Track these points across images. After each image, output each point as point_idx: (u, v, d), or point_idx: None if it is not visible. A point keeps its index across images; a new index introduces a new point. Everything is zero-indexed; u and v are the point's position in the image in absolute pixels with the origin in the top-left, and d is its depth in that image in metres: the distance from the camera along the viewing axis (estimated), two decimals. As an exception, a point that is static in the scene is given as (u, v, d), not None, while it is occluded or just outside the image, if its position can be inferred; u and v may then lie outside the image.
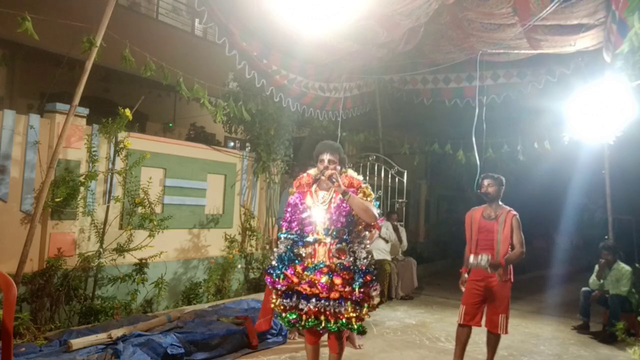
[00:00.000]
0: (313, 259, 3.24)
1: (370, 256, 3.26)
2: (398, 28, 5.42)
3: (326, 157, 3.33)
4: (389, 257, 7.64)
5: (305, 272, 3.18)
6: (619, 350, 5.53)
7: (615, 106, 4.72)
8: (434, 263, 11.49)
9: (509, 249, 4.28)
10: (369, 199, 3.28)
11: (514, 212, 4.34)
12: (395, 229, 8.02)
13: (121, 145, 5.32)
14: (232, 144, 11.52)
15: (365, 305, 3.20)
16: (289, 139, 7.63)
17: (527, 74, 7.27)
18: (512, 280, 4.35)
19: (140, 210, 5.40)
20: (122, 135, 5.34)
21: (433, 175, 13.69)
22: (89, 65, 4.40)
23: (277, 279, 3.23)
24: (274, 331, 4.88)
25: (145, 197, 5.45)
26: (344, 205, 3.21)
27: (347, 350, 3.51)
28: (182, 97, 6.47)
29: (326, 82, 6.96)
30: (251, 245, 7.11)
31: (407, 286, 8.15)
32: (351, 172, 3.44)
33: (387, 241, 7.63)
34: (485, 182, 4.45)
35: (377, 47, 5.97)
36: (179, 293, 6.15)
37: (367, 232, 3.37)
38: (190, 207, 6.36)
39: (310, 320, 3.21)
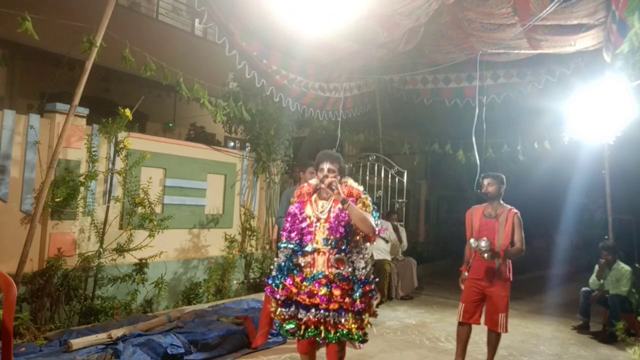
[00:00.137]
0: (312, 269, 3.24)
1: (369, 266, 3.25)
2: (398, 28, 5.42)
3: (326, 166, 3.33)
4: (389, 257, 7.64)
5: (304, 283, 3.17)
6: (619, 350, 5.53)
7: (615, 106, 4.72)
8: (434, 263, 11.48)
9: (510, 247, 4.29)
10: (367, 210, 3.27)
11: (516, 210, 4.35)
12: (395, 229, 8.02)
13: (121, 145, 5.32)
14: (232, 144, 11.52)
15: (366, 315, 3.20)
16: (289, 139, 7.63)
17: (527, 74, 7.27)
18: (511, 279, 4.36)
19: (140, 210, 5.40)
20: (122, 135, 5.34)
21: (433, 175, 13.68)
22: (89, 65, 4.40)
23: (276, 289, 3.23)
24: (274, 331, 4.88)
25: (145, 197, 5.45)
26: (343, 215, 3.21)
27: (347, 351, 3.50)
28: (182, 97, 6.47)
29: (326, 82, 6.96)
30: (251, 245, 7.11)
31: (407, 286, 8.15)
32: (351, 182, 3.43)
33: (387, 241, 7.64)
34: (485, 181, 4.46)
35: (377, 47, 5.97)
36: (179, 293, 6.15)
37: (366, 244, 3.35)
38: (190, 207, 6.36)
39: (310, 330, 3.21)
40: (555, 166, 10.65)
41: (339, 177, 3.35)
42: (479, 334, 4.72)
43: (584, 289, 6.51)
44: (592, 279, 6.43)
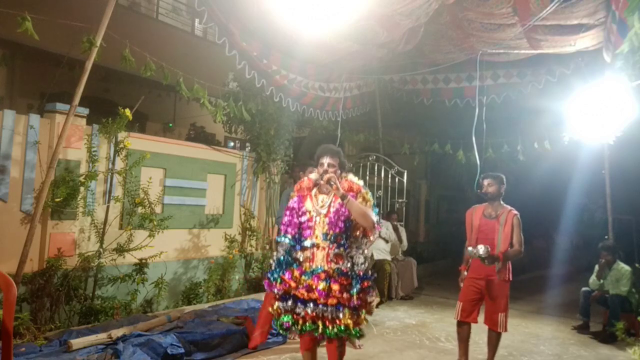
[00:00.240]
0: (311, 264, 3.24)
1: (368, 262, 3.25)
2: (398, 28, 5.42)
3: (326, 160, 3.33)
4: (389, 257, 7.64)
5: (303, 277, 3.18)
6: (619, 350, 5.54)
7: (615, 106, 4.73)
8: (434, 263, 11.48)
9: (509, 248, 4.29)
10: (368, 204, 3.27)
11: (515, 212, 4.35)
12: (395, 229, 8.02)
13: (121, 145, 5.32)
14: (232, 144, 11.52)
15: (363, 311, 3.20)
16: (289, 139, 7.63)
17: (527, 74, 7.27)
18: (510, 279, 4.37)
19: (140, 210, 5.40)
20: (122, 135, 5.33)
21: (433, 175, 13.68)
22: (89, 65, 4.40)
23: (274, 283, 3.23)
24: (274, 331, 4.88)
25: (145, 197, 5.45)
26: (343, 209, 3.21)
27: (347, 351, 3.50)
28: (182, 97, 6.47)
29: (326, 82, 6.96)
30: (251, 245, 7.11)
31: (407, 286, 8.15)
32: (351, 177, 3.43)
33: (387, 241, 7.64)
34: (485, 182, 4.47)
35: (377, 47, 5.97)
36: (179, 293, 6.15)
37: (365, 239, 3.34)
38: (190, 207, 6.36)
39: (307, 324, 3.21)
40: (555, 166, 10.65)
41: (339, 172, 3.35)
42: (479, 334, 4.73)
43: (584, 289, 6.51)
44: (592, 279, 6.43)
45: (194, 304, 6.05)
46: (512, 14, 5.20)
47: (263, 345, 4.76)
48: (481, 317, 4.49)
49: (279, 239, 3.34)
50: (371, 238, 3.37)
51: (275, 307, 3.28)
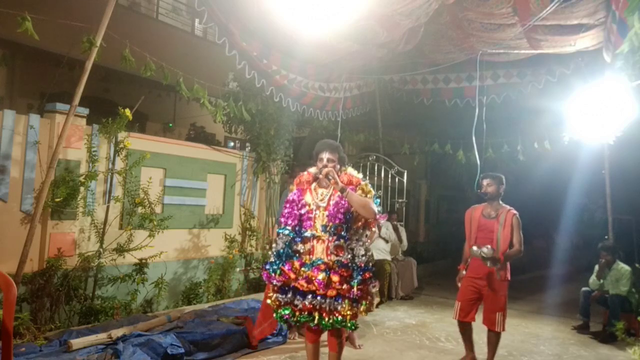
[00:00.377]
0: (311, 256, 3.25)
1: (369, 254, 3.26)
2: (398, 28, 5.42)
3: (325, 155, 3.35)
4: (389, 257, 7.64)
5: (303, 269, 3.19)
6: (619, 350, 5.54)
7: (615, 106, 4.73)
8: (434, 263, 11.48)
9: (508, 248, 4.31)
10: (368, 195, 3.29)
11: (514, 212, 4.37)
12: (395, 229, 8.02)
13: (121, 145, 5.32)
14: (232, 144, 11.52)
15: (363, 302, 3.20)
16: (289, 139, 7.63)
17: (527, 74, 7.27)
18: (509, 278, 4.39)
19: (140, 210, 5.40)
20: (122, 135, 5.33)
21: (433, 175, 13.68)
22: (89, 65, 4.40)
23: (273, 274, 3.23)
24: (274, 331, 4.88)
25: (145, 197, 5.45)
26: (343, 202, 3.22)
27: (347, 351, 3.52)
28: (182, 97, 6.46)
29: (326, 82, 6.96)
30: (251, 245, 7.11)
31: (407, 286, 8.15)
32: (350, 170, 3.45)
33: (387, 241, 7.63)
34: (485, 182, 4.49)
35: (377, 47, 5.97)
36: (179, 293, 6.15)
37: (367, 232, 3.36)
38: (190, 207, 6.36)
39: (302, 315, 3.21)
40: (555, 166, 10.65)
41: (338, 167, 3.36)
42: (479, 334, 4.73)
43: (584, 289, 6.51)
44: (592, 279, 6.43)
45: (194, 304, 6.05)
46: (512, 14, 5.20)
47: (263, 345, 4.77)
48: (480, 318, 4.50)
49: (279, 231, 3.35)
50: (374, 229, 3.39)
51: (273, 298, 3.29)
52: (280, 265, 3.23)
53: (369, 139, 9.96)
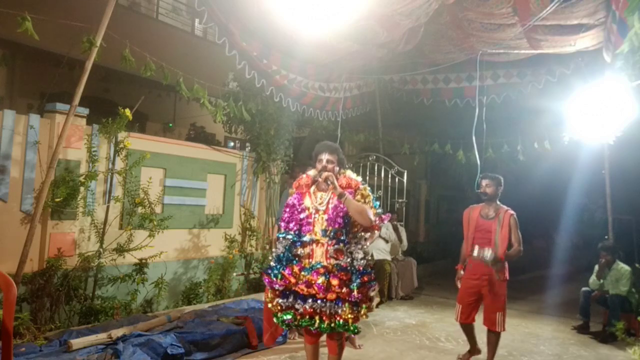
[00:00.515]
0: (311, 260, 3.25)
1: (368, 257, 3.26)
2: (398, 28, 5.42)
3: (325, 157, 3.34)
4: (389, 257, 7.64)
5: (302, 273, 3.19)
6: (618, 350, 5.54)
7: (615, 106, 4.73)
8: (434, 263, 11.48)
9: (507, 248, 4.34)
10: (366, 200, 3.28)
11: (512, 212, 4.42)
12: (395, 229, 8.02)
13: (121, 145, 5.32)
14: (232, 144, 11.52)
15: (364, 305, 3.20)
16: (289, 139, 7.63)
17: (527, 74, 7.27)
18: (507, 278, 4.42)
19: (140, 210, 5.40)
20: (122, 135, 5.34)
21: (433, 175, 13.68)
22: (89, 65, 4.40)
23: (274, 279, 3.24)
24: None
25: (145, 197, 5.45)
26: (342, 206, 3.22)
27: (347, 351, 3.52)
28: (182, 97, 6.46)
29: (326, 82, 6.96)
30: (251, 245, 7.11)
31: (407, 286, 8.15)
32: (349, 173, 3.44)
33: (387, 241, 7.63)
34: (484, 182, 4.53)
35: (377, 47, 5.97)
36: (179, 293, 6.15)
37: (365, 234, 3.36)
38: (190, 207, 6.36)
39: (304, 319, 3.21)
40: (555, 166, 10.65)
41: (337, 169, 3.36)
42: (479, 334, 4.73)
43: (584, 289, 6.51)
44: (592, 279, 6.43)
45: (194, 304, 6.05)
46: (512, 14, 5.20)
47: (263, 345, 4.76)
48: (480, 318, 4.52)
49: (280, 235, 3.35)
50: (375, 233, 3.38)
51: (274, 303, 3.29)
52: (281, 269, 3.23)
53: (369, 139, 9.96)
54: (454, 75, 7.75)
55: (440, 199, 14.25)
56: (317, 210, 3.30)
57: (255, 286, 6.91)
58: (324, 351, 3.67)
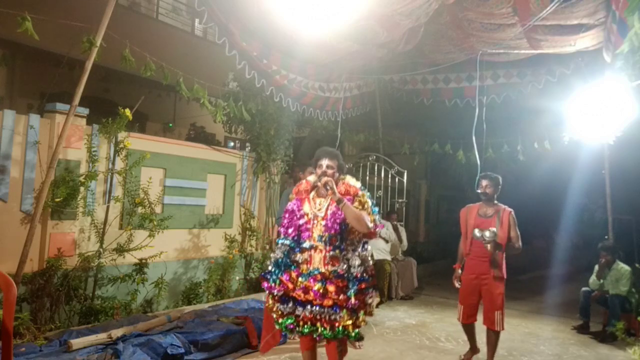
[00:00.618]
0: (309, 266, 3.24)
1: (365, 264, 3.23)
2: (398, 28, 5.42)
3: (325, 162, 3.34)
4: (389, 257, 7.64)
5: (300, 279, 3.18)
6: (618, 350, 5.54)
7: (615, 106, 4.74)
8: (434, 263, 11.48)
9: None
10: (365, 206, 3.26)
11: (510, 210, 4.47)
12: (395, 229, 8.03)
13: (121, 145, 5.32)
14: (232, 144, 11.52)
15: (362, 312, 3.20)
16: (289, 139, 7.63)
17: (527, 74, 7.27)
18: (505, 277, 4.44)
19: (140, 210, 5.40)
20: (122, 135, 5.34)
21: (433, 175, 13.68)
22: (89, 65, 4.40)
23: (273, 285, 3.24)
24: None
25: (145, 197, 5.45)
26: (340, 212, 3.21)
27: (347, 350, 3.51)
28: (182, 97, 6.46)
29: (326, 82, 6.96)
30: (251, 245, 7.11)
31: (407, 286, 8.15)
32: (349, 179, 3.42)
33: (387, 241, 7.64)
34: (484, 182, 4.56)
35: (377, 47, 5.97)
36: (179, 293, 6.15)
37: (365, 240, 3.34)
38: (190, 207, 6.36)
39: (306, 326, 3.21)
40: (555, 166, 10.65)
41: (337, 175, 3.36)
42: (479, 334, 4.74)
43: (584, 289, 6.51)
44: (592, 279, 6.43)
45: (194, 304, 6.05)
46: (512, 14, 5.20)
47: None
48: (481, 318, 4.54)
49: (279, 241, 3.35)
50: (371, 238, 3.37)
51: (275, 309, 3.28)
52: (279, 275, 3.23)
53: (369, 139, 9.96)
54: (454, 75, 7.75)
55: (440, 199, 14.25)
56: (315, 216, 3.30)
57: (256, 286, 6.91)
58: (323, 351, 3.67)
